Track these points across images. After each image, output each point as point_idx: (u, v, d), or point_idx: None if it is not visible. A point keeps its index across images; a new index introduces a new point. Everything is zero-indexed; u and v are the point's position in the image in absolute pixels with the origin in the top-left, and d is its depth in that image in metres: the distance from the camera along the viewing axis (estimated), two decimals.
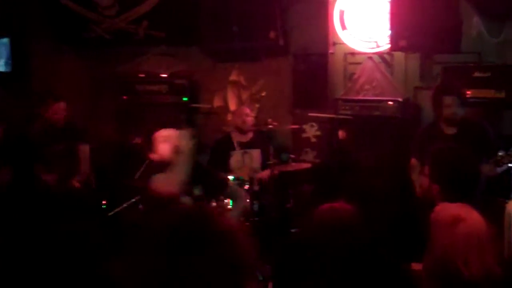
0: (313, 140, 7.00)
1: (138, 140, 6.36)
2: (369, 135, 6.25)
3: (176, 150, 4.43)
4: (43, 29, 8.00)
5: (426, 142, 4.70)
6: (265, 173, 6.07)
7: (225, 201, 5.64)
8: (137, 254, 1.79)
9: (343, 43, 6.92)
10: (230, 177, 5.79)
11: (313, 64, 7.02)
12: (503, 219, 4.34)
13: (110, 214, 5.99)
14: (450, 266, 2.37)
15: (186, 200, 5.68)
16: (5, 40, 7.77)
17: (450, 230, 2.45)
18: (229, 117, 7.21)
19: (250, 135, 6.40)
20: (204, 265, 1.71)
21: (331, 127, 6.66)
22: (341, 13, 6.85)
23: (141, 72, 7.73)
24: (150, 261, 1.76)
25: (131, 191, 6.06)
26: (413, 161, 5.00)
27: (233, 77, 7.37)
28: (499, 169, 4.55)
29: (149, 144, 4.91)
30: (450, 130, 4.93)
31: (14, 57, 7.81)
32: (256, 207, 5.66)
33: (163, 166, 4.55)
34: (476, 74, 5.81)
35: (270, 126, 6.09)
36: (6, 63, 7.80)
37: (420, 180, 4.10)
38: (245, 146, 6.33)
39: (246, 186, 5.71)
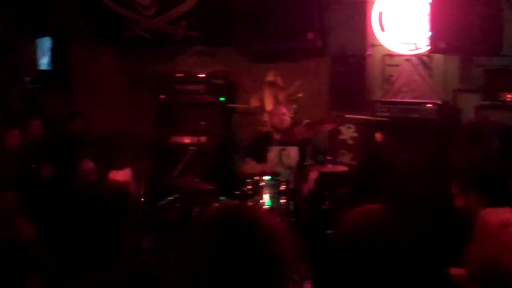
0: (350, 142, 6.97)
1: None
2: (406, 137, 6.21)
3: None
4: (84, 29, 8.14)
5: None
6: (308, 186, 6.03)
7: (261, 200, 5.69)
8: (183, 250, 1.82)
9: (381, 45, 6.88)
10: (266, 178, 5.81)
11: (350, 65, 6.99)
12: None
13: (148, 211, 6.07)
14: (500, 270, 2.35)
15: (222, 200, 5.76)
16: (47, 39, 7.93)
17: (499, 234, 2.42)
18: (266, 117, 7.23)
19: (288, 134, 6.39)
20: (249, 262, 1.74)
21: (368, 129, 6.63)
22: (380, 15, 6.82)
23: (179, 72, 7.79)
24: (196, 258, 1.79)
25: (170, 189, 6.14)
26: None
27: (269, 77, 7.38)
28: None
29: None
30: None
31: (55, 56, 7.96)
32: (291, 207, 5.67)
33: None
34: None
35: (308, 127, 6.08)
36: (47, 62, 7.96)
37: None
38: (284, 143, 6.32)
39: (283, 187, 5.72)
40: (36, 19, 8.00)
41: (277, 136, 6.37)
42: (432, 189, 5.82)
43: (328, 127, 6.60)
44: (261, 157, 6.29)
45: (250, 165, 6.11)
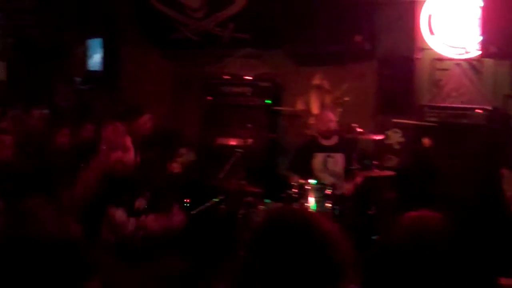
0: (396, 146, 6.89)
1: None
2: (455, 143, 6.12)
3: None
4: (133, 31, 8.27)
5: None
6: (349, 188, 6.02)
7: (307, 204, 5.68)
8: (241, 252, 1.84)
9: (430, 49, 6.79)
10: (312, 181, 5.80)
11: (398, 69, 6.92)
12: None
13: (193, 212, 6.12)
14: None
15: (267, 202, 5.77)
16: (98, 41, 8.08)
17: None
18: (312, 120, 7.20)
19: (335, 139, 6.37)
20: (306, 264, 1.75)
21: (415, 134, 6.55)
22: (429, 18, 6.73)
23: (226, 74, 7.85)
24: (253, 259, 1.82)
25: (215, 191, 6.17)
26: (505, 171, 4.86)
27: (316, 81, 7.36)
28: None
29: None
30: None
31: (105, 57, 8.11)
32: (337, 212, 5.64)
33: None
34: None
35: (355, 132, 6.04)
36: (97, 63, 8.11)
37: None
38: (330, 149, 6.31)
39: (328, 191, 5.69)
40: (87, 21, 8.17)
41: (323, 142, 6.35)
42: (482, 196, 5.72)
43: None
44: (305, 169, 6.27)
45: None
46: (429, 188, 5.72)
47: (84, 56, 8.21)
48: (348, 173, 6.08)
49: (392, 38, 7.02)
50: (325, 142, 6.35)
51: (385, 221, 5.62)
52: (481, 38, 6.08)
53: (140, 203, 4.10)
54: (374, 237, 5.47)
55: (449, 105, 6.51)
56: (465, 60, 6.61)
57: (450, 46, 6.65)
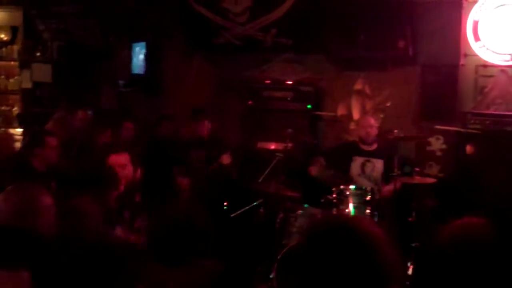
0: (438, 153, 6.81)
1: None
2: (499, 151, 6.00)
3: None
4: (176, 35, 8.37)
5: None
6: (388, 189, 5.97)
7: (346, 210, 5.65)
8: (289, 257, 1.87)
9: (475, 55, 6.69)
10: (351, 187, 5.77)
11: (442, 75, 6.84)
12: None
13: (232, 215, 6.15)
14: None
15: (306, 207, 5.76)
16: (141, 44, 8.20)
17: None
18: (352, 126, 7.17)
19: (375, 144, 6.32)
20: (355, 270, 1.76)
21: (458, 141, 6.46)
22: (475, 24, 6.63)
23: (267, 78, 7.87)
24: (303, 266, 1.83)
25: (254, 195, 6.19)
26: None
27: (358, 86, 7.32)
28: None
29: None
30: None
31: (148, 61, 8.22)
32: (376, 218, 5.59)
33: None
34: None
35: (396, 138, 5.97)
36: (141, 67, 8.23)
37: None
38: (369, 154, 6.27)
39: (368, 197, 5.65)
40: (131, 25, 8.30)
41: (363, 146, 6.32)
42: None
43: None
44: (343, 167, 6.26)
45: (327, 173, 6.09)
46: (471, 196, 5.62)
47: (128, 59, 8.34)
48: (388, 179, 6.02)
49: (436, 44, 6.93)
50: (365, 147, 6.32)
51: (425, 228, 5.56)
52: None
53: (141, 222, 4.15)
54: (413, 244, 5.41)
55: (493, 112, 6.39)
56: (510, 66, 6.48)
57: (495, 53, 6.55)
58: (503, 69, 6.52)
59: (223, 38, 8.05)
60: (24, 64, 8.35)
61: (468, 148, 6.17)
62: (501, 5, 6.54)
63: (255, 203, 6.15)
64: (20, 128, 8.12)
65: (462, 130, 6.30)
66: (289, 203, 5.82)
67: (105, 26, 8.17)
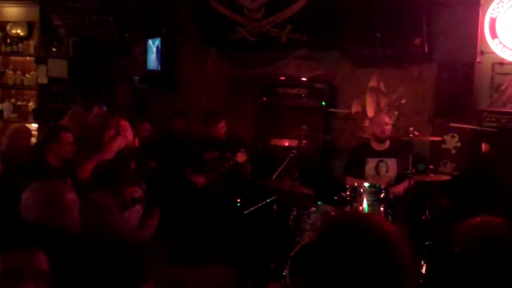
0: (453, 151, 6.76)
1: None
2: None
3: None
4: (191, 31, 8.37)
5: None
6: (401, 188, 5.95)
7: (360, 207, 5.64)
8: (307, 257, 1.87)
9: (491, 52, 6.63)
10: (366, 184, 5.75)
11: (458, 72, 6.78)
12: None
13: (245, 212, 6.16)
14: None
15: (320, 204, 5.76)
16: (157, 40, 8.22)
17: None
18: (367, 123, 7.15)
19: (387, 143, 6.30)
20: (368, 266, 1.76)
21: (473, 139, 6.41)
22: (492, 21, 6.57)
23: (281, 75, 7.86)
24: (318, 263, 1.84)
25: (267, 192, 6.19)
26: None
27: (372, 83, 7.30)
28: None
29: None
30: None
31: (163, 56, 8.24)
32: (390, 216, 5.57)
33: None
34: None
35: (411, 135, 5.94)
36: (156, 62, 8.25)
37: None
38: (382, 154, 6.25)
39: (382, 195, 5.63)
40: (146, 21, 8.33)
41: (375, 146, 6.29)
42: None
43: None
44: (358, 170, 6.24)
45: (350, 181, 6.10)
46: (486, 195, 5.58)
47: (143, 55, 8.36)
48: (402, 177, 5.99)
49: (452, 41, 6.88)
50: (378, 147, 6.28)
51: (439, 226, 5.53)
52: None
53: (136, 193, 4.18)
54: (427, 243, 5.39)
55: (509, 110, 6.33)
56: None
57: None
58: None
59: (238, 34, 8.04)
60: (40, 59, 8.40)
61: (484, 146, 6.13)
62: None
63: (268, 200, 6.16)
64: (36, 123, 8.18)
65: (477, 128, 6.26)
66: (302, 200, 5.82)
67: (120, 22, 8.19)
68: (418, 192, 5.86)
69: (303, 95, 7.55)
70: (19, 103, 8.71)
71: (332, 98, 7.61)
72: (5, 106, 8.66)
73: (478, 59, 6.73)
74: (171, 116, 7.43)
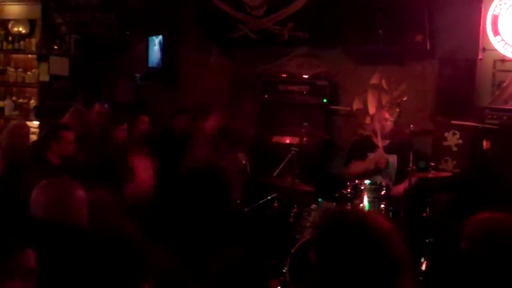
0: (454, 149, 6.75)
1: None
2: None
3: None
4: (193, 28, 8.38)
5: None
6: (400, 188, 5.93)
7: (361, 204, 5.63)
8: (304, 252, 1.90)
9: (493, 49, 6.61)
10: (366, 181, 5.74)
11: (459, 69, 6.76)
12: None
13: (246, 209, 6.15)
14: None
15: (320, 201, 5.75)
16: (158, 37, 8.23)
17: None
18: (368, 120, 7.14)
19: (388, 140, 6.29)
20: (363, 260, 1.78)
21: (474, 136, 6.40)
22: (494, 18, 6.56)
23: (283, 72, 7.86)
24: (314, 259, 1.85)
25: (269, 189, 6.20)
26: None
27: (374, 80, 7.29)
28: None
29: None
30: None
31: (165, 54, 8.25)
32: (391, 213, 5.57)
33: None
34: None
35: (411, 132, 5.93)
36: (157, 60, 8.25)
37: None
38: (383, 150, 6.24)
39: (383, 192, 5.63)
40: (148, 18, 8.33)
41: (376, 142, 6.29)
42: None
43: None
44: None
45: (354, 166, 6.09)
46: (487, 191, 5.58)
47: (144, 53, 8.36)
48: (403, 174, 5.98)
49: (454, 38, 6.87)
50: (379, 143, 6.28)
51: (440, 224, 5.53)
52: None
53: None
54: (427, 240, 5.39)
55: (510, 107, 6.32)
56: None
57: None
58: None
59: (240, 31, 8.05)
60: (42, 57, 8.40)
61: (485, 144, 6.12)
62: None
63: (269, 197, 6.16)
64: (37, 121, 8.19)
65: (479, 125, 6.25)
66: (303, 197, 5.82)
67: (122, 19, 8.19)
68: (419, 189, 5.85)
69: (305, 93, 7.56)
70: (20, 100, 8.70)
71: (333, 96, 7.61)
72: (7, 104, 8.65)
73: (480, 56, 6.71)
74: (173, 113, 7.43)
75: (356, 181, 5.75)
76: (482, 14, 6.65)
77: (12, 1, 8.60)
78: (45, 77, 8.35)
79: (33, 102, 8.57)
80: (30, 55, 8.64)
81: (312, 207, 5.64)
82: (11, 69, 8.71)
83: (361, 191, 5.67)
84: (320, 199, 5.75)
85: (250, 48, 8.11)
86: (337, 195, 5.76)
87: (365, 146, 6.32)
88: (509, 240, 2.58)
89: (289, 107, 7.53)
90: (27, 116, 8.40)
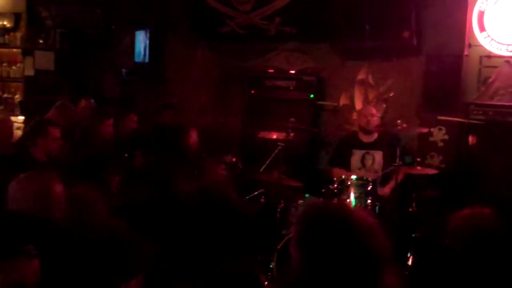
0: (440, 144, 6.78)
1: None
2: (501, 142, 5.97)
3: None
4: (180, 23, 8.34)
5: None
6: (387, 189, 5.95)
7: (347, 200, 5.64)
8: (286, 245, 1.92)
9: (479, 45, 6.65)
10: (353, 177, 5.75)
11: (446, 65, 6.79)
12: None
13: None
14: None
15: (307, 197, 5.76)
16: (145, 32, 8.18)
17: None
18: (354, 116, 7.16)
19: (375, 135, 6.31)
20: (345, 253, 1.78)
21: (460, 132, 6.43)
22: (480, 14, 6.59)
23: (270, 68, 7.85)
24: (295, 253, 1.85)
25: (255, 184, 6.18)
26: None
27: (361, 75, 7.30)
28: None
29: None
30: None
31: (151, 49, 8.20)
32: (377, 208, 5.58)
33: None
34: None
35: (398, 128, 5.95)
36: (144, 55, 8.21)
37: None
38: (369, 146, 6.26)
39: (369, 187, 5.64)
40: (134, 13, 8.27)
41: (363, 138, 6.30)
42: None
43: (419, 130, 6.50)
44: (344, 161, 6.26)
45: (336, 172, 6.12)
46: (473, 187, 5.61)
47: (131, 47, 8.31)
48: (389, 170, 6.00)
49: (440, 34, 6.89)
50: (365, 139, 6.31)
51: (426, 219, 5.55)
52: None
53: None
54: (414, 235, 5.41)
55: (496, 103, 6.34)
56: None
57: (500, 43, 6.51)
58: (507, 60, 6.47)
59: (227, 27, 8.02)
60: (27, 51, 8.34)
61: (471, 139, 6.15)
62: None
63: (256, 193, 6.15)
64: (22, 116, 8.12)
65: (464, 121, 6.27)
66: (290, 192, 5.82)
67: (108, 13, 8.13)
68: (405, 184, 5.88)
69: (292, 88, 7.55)
70: (5, 95, 8.63)
71: (320, 91, 7.61)
72: None
73: (466, 52, 6.75)
74: (159, 109, 7.39)
75: (343, 176, 5.77)
76: (468, 10, 6.68)
77: None
78: (30, 72, 8.30)
79: (18, 97, 8.50)
80: (15, 49, 8.57)
81: (299, 203, 5.64)
82: None
83: (348, 186, 5.68)
84: (307, 195, 5.75)
85: (238, 43, 8.09)
86: (323, 190, 5.77)
87: (351, 143, 6.34)
88: (489, 236, 2.60)
89: (276, 102, 7.51)
90: (12, 111, 8.33)
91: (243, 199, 5.04)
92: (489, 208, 2.82)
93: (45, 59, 8.20)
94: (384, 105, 7.14)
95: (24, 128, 7.13)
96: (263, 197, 6.06)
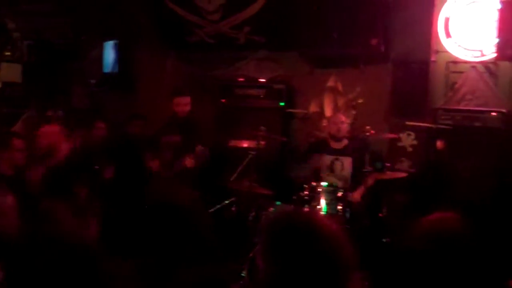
0: (409, 149, 6.84)
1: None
2: (469, 146, 6.04)
3: None
4: (149, 33, 8.31)
5: None
6: (357, 194, 5.97)
7: (318, 206, 5.66)
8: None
9: (446, 51, 6.73)
10: (323, 184, 5.77)
11: (413, 72, 6.86)
12: None
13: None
14: None
15: (278, 204, 5.75)
16: (113, 42, 8.13)
17: None
18: (325, 123, 7.19)
19: (344, 142, 6.34)
20: (310, 262, 1.77)
21: (429, 137, 6.49)
22: (446, 20, 6.68)
23: (240, 76, 7.86)
24: (261, 261, 1.84)
25: (226, 193, 6.17)
26: None
27: (330, 83, 7.34)
28: None
29: None
30: None
31: (120, 59, 8.16)
32: (348, 214, 5.61)
33: None
34: None
35: (367, 134, 5.99)
36: (113, 65, 8.16)
37: None
38: (338, 152, 6.29)
39: (339, 193, 5.66)
40: (103, 23, 8.23)
41: (333, 144, 6.33)
42: (495, 200, 5.65)
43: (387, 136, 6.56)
44: (311, 169, 6.30)
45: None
46: (442, 191, 5.66)
47: (99, 58, 8.26)
48: (359, 176, 6.03)
49: (407, 41, 6.97)
50: (335, 145, 6.33)
51: (396, 224, 5.59)
52: (497, 40, 6.01)
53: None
54: (384, 240, 5.44)
55: (463, 108, 6.42)
56: (481, 63, 6.53)
57: (466, 49, 6.59)
58: (473, 65, 6.56)
59: (196, 36, 8.03)
60: None
61: (439, 144, 6.20)
62: (473, 2, 6.59)
63: (227, 201, 6.13)
64: None
65: (432, 126, 6.32)
66: (261, 200, 5.82)
67: (76, 24, 8.08)
68: (375, 190, 5.91)
69: (262, 96, 7.56)
70: None
71: (290, 99, 7.64)
72: None
73: (433, 58, 6.82)
74: (128, 119, 7.34)
75: (313, 184, 5.78)
76: (434, 17, 6.76)
77: None
78: None
79: None
80: None
81: (270, 210, 5.64)
82: None
83: (318, 193, 5.70)
84: (278, 202, 5.75)
85: (207, 52, 8.09)
86: (294, 197, 5.78)
87: (320, 148, 6.37)
88: (455, 241, 2.61)
89: (247, 111, 7.51)
90: None
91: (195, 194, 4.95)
92: (456, 212, 2.83)
93: (12, 71, 8.12)
94: (354, 112, 7.17)
95: None
96: (234, 205, 6.05)
